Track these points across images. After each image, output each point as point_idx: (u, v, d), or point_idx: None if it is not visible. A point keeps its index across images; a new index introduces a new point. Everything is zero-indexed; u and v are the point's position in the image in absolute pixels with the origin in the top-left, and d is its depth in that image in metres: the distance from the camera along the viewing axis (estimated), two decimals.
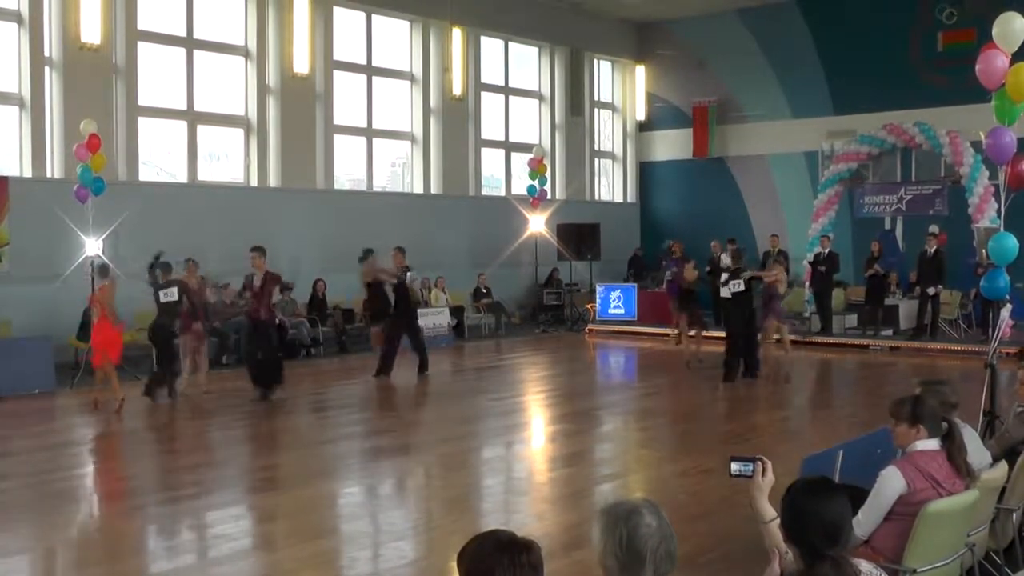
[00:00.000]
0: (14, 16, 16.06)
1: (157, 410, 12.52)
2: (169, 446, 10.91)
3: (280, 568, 6.54)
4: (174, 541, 7.21)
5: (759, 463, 3.76)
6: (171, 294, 12.62)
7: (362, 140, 21.34)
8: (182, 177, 18.50)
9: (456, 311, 20.21)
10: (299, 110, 19.48)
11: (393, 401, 13.68)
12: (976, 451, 5.28)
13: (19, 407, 12.58)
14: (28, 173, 16.08)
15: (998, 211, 9.32)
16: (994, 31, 7.94)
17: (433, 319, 19.11)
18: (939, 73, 21.32)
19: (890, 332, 18.61)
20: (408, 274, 15.06)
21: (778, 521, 3.58)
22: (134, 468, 9.64)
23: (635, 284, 22.55)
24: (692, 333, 16.07)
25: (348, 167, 21.55)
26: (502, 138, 24.28)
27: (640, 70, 26.92)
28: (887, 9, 22.28)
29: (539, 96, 25.13)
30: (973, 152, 18.52)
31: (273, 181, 19.28)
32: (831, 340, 18.37)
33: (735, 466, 3.79)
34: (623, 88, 27.19)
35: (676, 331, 17.03)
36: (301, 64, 19.34)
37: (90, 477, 9.52)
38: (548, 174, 22.93)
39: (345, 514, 8.07)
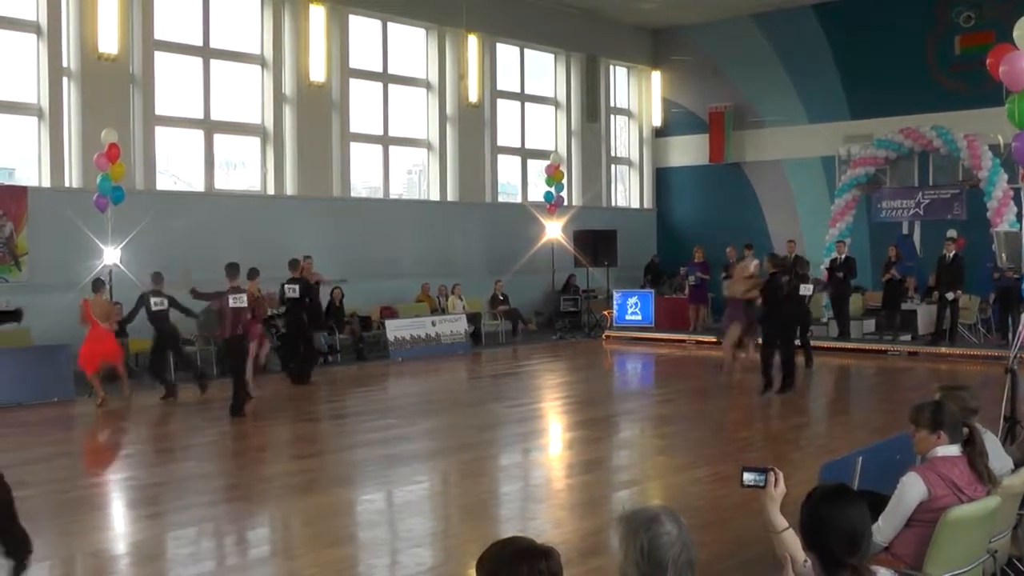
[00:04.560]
0: (32, 27, 16.20)
1: (172, 416, 12.58)
2: (186, 453, 10.94)
3: (299, 575, 6.55)
4: (193, 548, 7.23)
5: (771, 473, 3.74)
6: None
7: (378, 148, 21.40)
8: (199, 186, 18.57)
9: (473, 318, 20.23)
10: (315, 118, 19.55)
11: (410, 409, 13.68)
12: (997, 457, 5.24)
13: (38, 415, 12.66)
14: (47, 183, 16.20)
15: (1017, 215, 9.26)
16: (1015, 33, 7.87)
17: (450, 326, 19.23)
18: (956, 77, 21.19)
19: (908, 337, 18.51)
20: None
21: (790, 531, 3.57)
22: (152, 475, 9.65)
23: (652, 290, 22.52)
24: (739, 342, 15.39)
25: (364, 175, 21.61)
26: (518, 145, 24.31)
27: (656, 76, 26.91)
28: (903, 12, 22.15)
29: (555, 102, 25.14)
30: (991, 156, 18.44)
31: (290, 189, 19.35)
32: (849, 346, 18.29)
33: (747, 476, 3.78)
34: (639, 94, 27.17)
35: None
36: (317, 72, 19.41)
37: (109, 484, 9.55)
38: (564, 180, 22.92)
39: (363, 521, 8.08)
